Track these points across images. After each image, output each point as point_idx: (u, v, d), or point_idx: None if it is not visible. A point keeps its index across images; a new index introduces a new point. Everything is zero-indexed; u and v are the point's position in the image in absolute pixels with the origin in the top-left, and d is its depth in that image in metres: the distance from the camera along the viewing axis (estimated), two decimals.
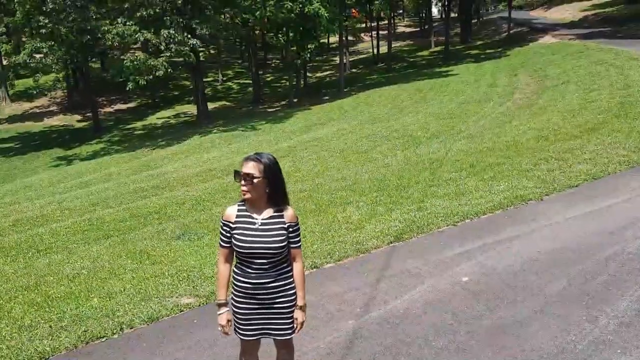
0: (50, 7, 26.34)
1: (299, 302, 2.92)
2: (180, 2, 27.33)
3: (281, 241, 2.77)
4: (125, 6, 27.03)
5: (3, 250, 8.68)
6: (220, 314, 2.89)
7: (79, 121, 38.45)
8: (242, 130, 25.53)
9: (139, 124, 36.18)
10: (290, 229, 2.84)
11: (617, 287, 4.11)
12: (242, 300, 2.85)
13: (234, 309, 2.89)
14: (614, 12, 45.17)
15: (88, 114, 37.35)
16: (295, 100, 34.14)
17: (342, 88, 34.37)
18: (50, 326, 4.41)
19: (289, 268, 2.89)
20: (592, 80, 19.74)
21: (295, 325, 2.92)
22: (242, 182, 2.74)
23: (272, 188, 2.77)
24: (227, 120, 31.08)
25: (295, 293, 2.90)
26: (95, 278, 5.96)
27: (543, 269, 4.55)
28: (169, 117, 36.88)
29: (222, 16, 36.01)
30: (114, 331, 4.16)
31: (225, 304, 2.90)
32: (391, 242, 5.63)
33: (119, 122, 37.53)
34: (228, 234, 2.84)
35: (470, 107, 19.87)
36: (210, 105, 34.62)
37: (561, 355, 3.31)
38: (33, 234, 9.64)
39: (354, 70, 45.58)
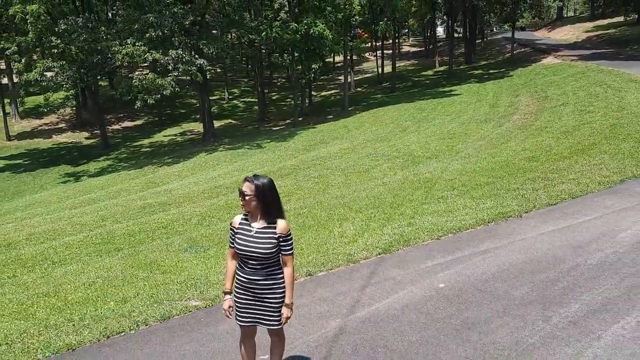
0: (63, 28, 27.21)
1: (287, 300, 3.48)
2: (188, 23, 28.25)
3: (270, 248, 3.38)
4: (135, 27, 27.89)
5: (20, 261, 9.22)
6: (224, 300, 3.52)
7: (87, 138, 39.28)
8: (248, 148, 26.17)
9: (146, 142, 36.91)
10: (281, 239, 3.42)
11: (572, 292, 4.66)
12: (239, 291, 3.48)
13: (235, 298, 3.52)
14: (616, 33, 45.85)
15: (96, 131, 38.18)
16: (300, 118, 34.81)
17: (346, 107, 35.07)
18: (74, 325, 4.99)
19: (279, 270, 3.47)
20: (589, 102, 20.29)
21: (281, 319, 3.49)
22: (240, 198, 3.38)
23: (263, 204, 3.38)
24: (233, 139, 31.78)
25: (284, 292, 3.48)
26: (110, 285, 6.52)
27: (511, 277, 5.11)
28: (175, 135, 37.62)
29: (229, 36, 36.93)
30: (131, 328, 4.75)
31: (229, 292, 3.54)
32: (379, 254, 6.20)
33: (126, 140, 38.32)
34: (233, 238, 3.47)
35: (471, 128, 20.43)
36: (217, 123, 35.34)
37: (515, 347, 3.86)
38: (47, 247, 10.17)
39: (358, 89, 46.36)
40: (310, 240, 7.27)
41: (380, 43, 50.19)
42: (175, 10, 26.94)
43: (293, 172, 16.00)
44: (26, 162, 33.34)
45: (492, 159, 13.30)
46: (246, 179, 3.42)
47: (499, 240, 6.25)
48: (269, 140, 28.09)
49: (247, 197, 3.36)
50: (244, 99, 48.41)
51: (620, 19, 50.57)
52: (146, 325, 4.73)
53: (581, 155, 11.63)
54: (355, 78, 48.86)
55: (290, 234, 3.48)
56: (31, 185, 27.80)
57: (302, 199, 11.57)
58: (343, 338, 4.17)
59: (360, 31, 44.22)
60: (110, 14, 36.24)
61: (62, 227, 12.86)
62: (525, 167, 11.21)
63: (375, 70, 51.63)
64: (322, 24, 30.07)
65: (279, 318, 3.48)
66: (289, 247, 3.47)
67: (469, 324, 4.26)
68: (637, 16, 45.88)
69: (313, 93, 42.87)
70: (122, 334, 4.60)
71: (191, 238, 9.08)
